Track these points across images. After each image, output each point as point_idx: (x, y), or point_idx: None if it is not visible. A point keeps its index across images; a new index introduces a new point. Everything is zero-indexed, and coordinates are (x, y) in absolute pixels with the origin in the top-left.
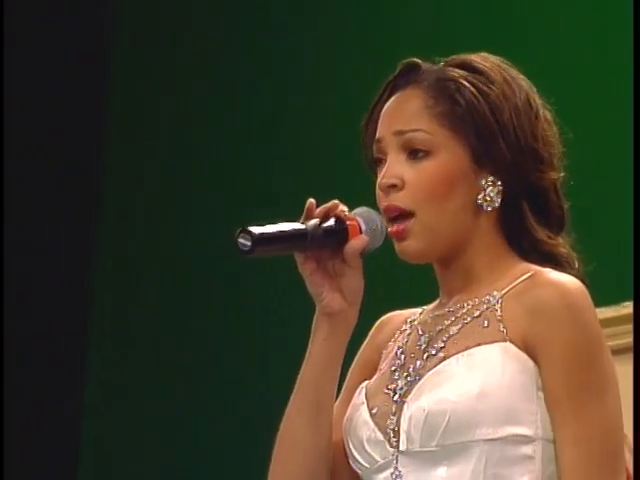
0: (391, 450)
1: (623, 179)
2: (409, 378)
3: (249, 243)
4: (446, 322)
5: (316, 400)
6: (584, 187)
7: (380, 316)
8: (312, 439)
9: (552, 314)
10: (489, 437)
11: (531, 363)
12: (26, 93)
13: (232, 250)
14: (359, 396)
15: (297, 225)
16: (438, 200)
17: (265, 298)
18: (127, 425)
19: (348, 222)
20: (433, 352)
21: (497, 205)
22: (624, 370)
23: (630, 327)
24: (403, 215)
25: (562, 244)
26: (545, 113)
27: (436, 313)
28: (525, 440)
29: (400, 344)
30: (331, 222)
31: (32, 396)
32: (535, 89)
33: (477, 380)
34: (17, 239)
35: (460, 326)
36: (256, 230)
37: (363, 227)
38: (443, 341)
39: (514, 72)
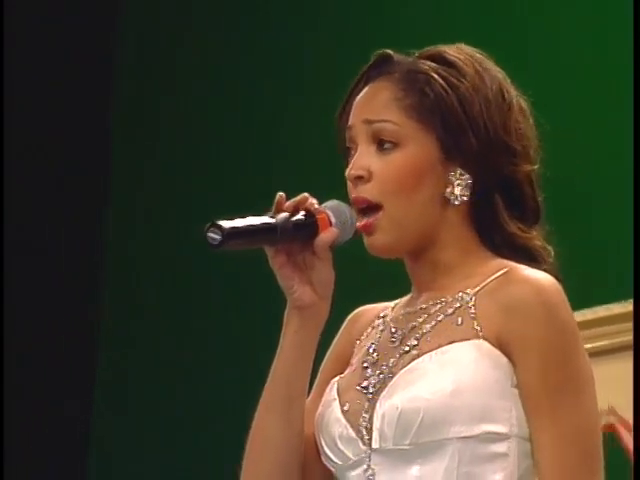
0: (364, 448)
1: (623, 179)
2: (382, 375)
3: (218, 237)
4: (419, 319)
5: (287, 395)
6: (584, 187)
7: (351, 310)
8: (284, 434)
9: (527, 311)
10: (463, 435)
11: (505, 360)
12: (26, 93)
13: (232, 250)
14: (331, 392)
15: (267, 219)
16: (405, 192)
17: (265, 298)
18: (127, 425)
19: (318, 215)
20: (406, 349)
21: (466, 199)
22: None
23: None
24: (371, 208)
25: (536, 237)
26: (520, 105)
27: (408, 310)
28: (499, 438)
29: (372, 340)
30: (301, 215)
31: (32, 396)
32: (509, 80)
33: (450, 377)
34: (18, 239)
35: (433, 324)
36: (226, 224)
37: (333, 220)
38: (416, 339)
39: (488, 64)
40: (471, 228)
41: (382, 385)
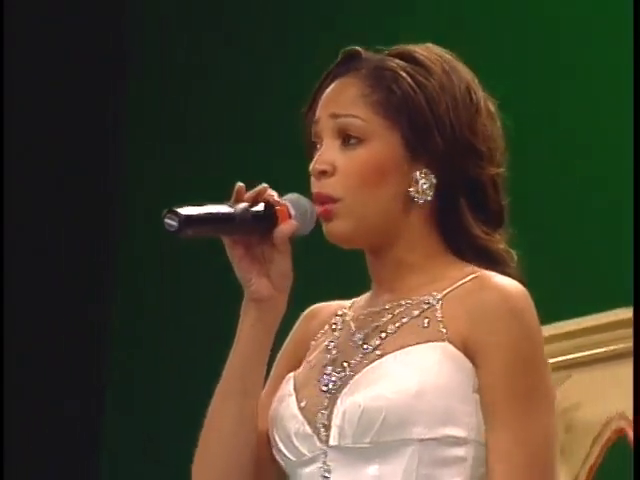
0: (319, 445)
1: (623, 182)
2: (343, 373)
3: (175, 224)
4: (382, 319)
5: (243, 389)
6: (584, 195)
7: (308, 306)
8: (238, 429)
9: (494, 317)
10: (424, 436)
11: (469, 364)
12: (26, 93)
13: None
14: (286, 387)
15: (226, 208)
16: (368, 188)
17: None
18: (134, 425)
19: (277, 207)
20: (369, 349)
21: (429, 198)
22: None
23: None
24: (331, 201)
25: (499, 240)
26: (488, 107)
27: (370, 309)
28: (459, 442)
29: (331, 338)
30: (260, 207)
31: (34, 397)
32: (477, 81)
33: (414, 378)
34: (22, 238)
35: (398, 325)
36: (183, 211)
37: (292, 212)
38: (381, 338)
39: (457, 64)
40: (435, 229)
41: (343, 383)
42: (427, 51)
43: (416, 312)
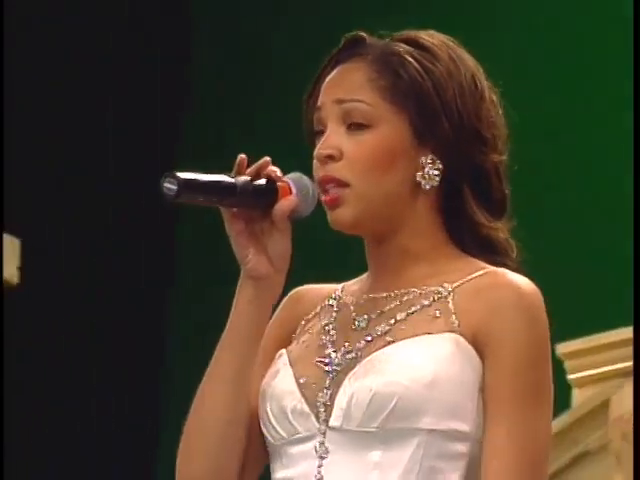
0: (317, 424)
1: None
2: (349, 355)
3: (174, 187)
4: (388, 306)
5: (238, 368)
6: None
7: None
8: (232, 407)
9: (508, 314)
10: (432, 427)
11: (478, 360)
12: (27, 93)
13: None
14: (280, 362)
15: (227, 178)
16: (376, 173)
17: None
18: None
19: (279, 183)
20: (377, 333)
21: (436, 184)
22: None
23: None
24: (338, 185)
25: (501, 229)
26: (491, 95)
27: (372, 295)
28: (462, 437)
29: (327, 320)
30: (262, 181)
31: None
32: (481, 69)
33: (429, 367)
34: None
35: (408, 312)
36: (183, 175)
37: (294, 190)
38: (390, 325)
39: (461, 51)
40: (439, 217)
41: (349, 364)
42: (432, 37)
43: (426, 302)
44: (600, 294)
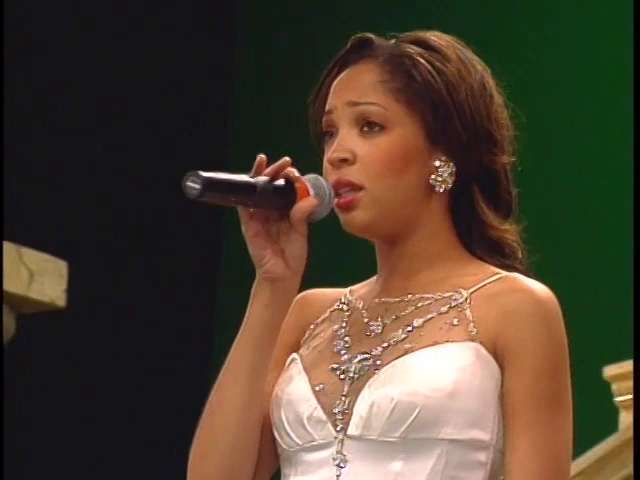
0: (334, 432)
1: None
2: (366, 362)
3: (198, 186)
4: (404, 312)
5: (252, 370)
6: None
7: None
8: (246, 411)
9: (526, 321)
10: (453, 437)
11: (497, 369)
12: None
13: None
14: (294, 367)
15: (247, 178)
16: (391, 176)
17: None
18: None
19: (297, 184)
20: (394, 340)
21: (450, 186)
22: None
23: None
24: (353, 189)
25: (510, 231)
26: (498, 96)
27: (383, 299)
28: (482, 446)
29: (339, 325)
30: (281, 182)
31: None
32: (489, 70)
33: (450, 377)
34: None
35: (425, 319)
36: (205, 174)
37: (312, 192)
38: (407, 332)
39: (469, 52)
40: (450, 220)
41: (367, 372)
42: (440, 38)
43: (443, 309)
44: None
